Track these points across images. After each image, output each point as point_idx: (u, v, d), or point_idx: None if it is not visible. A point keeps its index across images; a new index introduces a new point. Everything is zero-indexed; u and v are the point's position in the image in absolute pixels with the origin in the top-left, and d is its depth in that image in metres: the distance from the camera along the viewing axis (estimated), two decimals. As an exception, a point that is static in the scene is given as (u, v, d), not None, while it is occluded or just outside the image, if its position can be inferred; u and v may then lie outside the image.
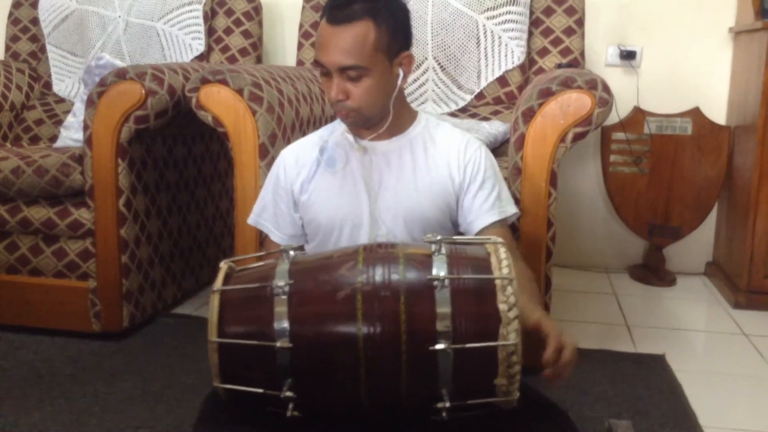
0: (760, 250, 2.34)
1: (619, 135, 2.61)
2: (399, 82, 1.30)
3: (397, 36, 1.28)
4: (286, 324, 0.95)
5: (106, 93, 1.88)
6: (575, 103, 1.65)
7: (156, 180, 2.08)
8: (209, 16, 2.58)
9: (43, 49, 2.69)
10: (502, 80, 2.34)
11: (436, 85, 2.36)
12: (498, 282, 0.95)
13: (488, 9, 2.32)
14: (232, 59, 2.56)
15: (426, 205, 1.33)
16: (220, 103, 1.75)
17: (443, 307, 0.93)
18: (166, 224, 2.15)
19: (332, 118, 1.40)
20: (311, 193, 1.36)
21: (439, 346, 0.92)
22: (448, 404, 0.93)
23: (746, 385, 1.85)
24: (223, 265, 1.05)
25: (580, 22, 2.36)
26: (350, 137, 1.35)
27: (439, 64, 2.35)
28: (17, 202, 1.97)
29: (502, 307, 0.93)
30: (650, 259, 2.70)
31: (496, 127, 2.09)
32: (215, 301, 0.99)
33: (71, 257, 1.98)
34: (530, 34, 2.37)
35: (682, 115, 2.60)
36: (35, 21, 2.71)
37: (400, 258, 1.00)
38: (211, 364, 0.98)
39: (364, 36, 1.22)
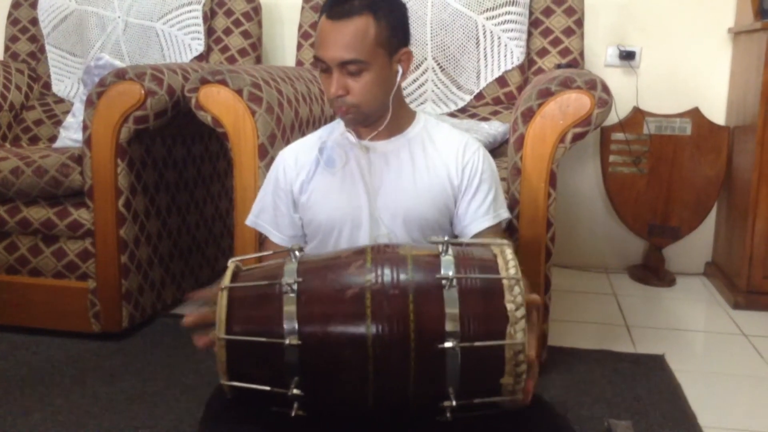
0: (759, 251, 2.35)
1: (619, 135, 2.61)
2: (398, 78, 1.30)
3: (396, 32, 1.28)
4: (294, 322, 0.95)
5: (105, 93, 1.88)
6: (574, 103, 1.65)
7: (155, 180, 2.08)
8: (209, 17, 2.58)
9: (42, 50, 2.69)
10: (501, 80, 2.34)
11: (436, 85, 2.37)
12: (505, 282, 0.96)
13: (487, 9, 2.32)
14: (231, 60, 2.56)
15: (425, 206, 1.33)
16: (219, 104, 1.75)
17: (451, 307, 0.94)
18: (165, 224, 2.15)
19: (332, 119, 1.40)
20: (311, 193, 1.36)
21: (448, 345, 0.93)
22: (454, 403, 0.93)
23: (746, 385, 1.85)
24: (231, 264, 1.06)
25: (580, 23, 2.36)
26: (350, 136, 1.35)
27: (438, 64, 2.36)
28: (16, 203, 1.97)
29: (509, 306, 0.95)
30: (650, 259, 2.70)
31: (495, 128, 2.09)
32: (223, 298, 0.99)
33: (71, 257, 1.98)
34: (530, 34, 2.37)
35: (681, 115, 2.61)
36: (34, 21, 2.71)
37: (408, 258, 1.01)
38: (218, 361, 0.98)
39: (364, 31, 1.23)
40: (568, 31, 2.35)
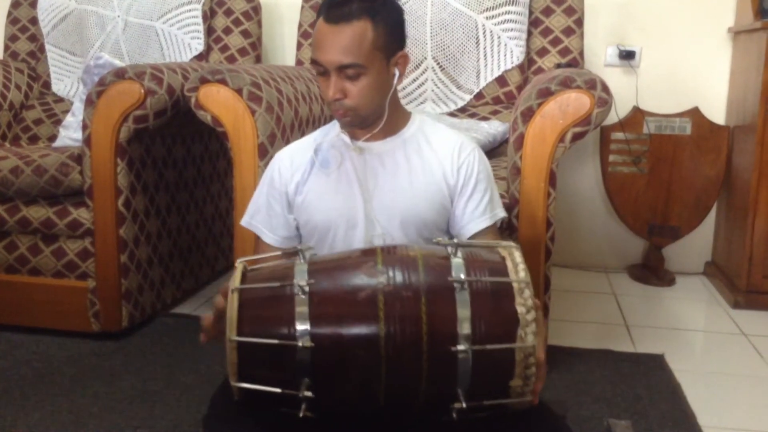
0: (759, 250, 2.35)
1: (619, 135, 2.61)
2: (395, 81, 1.31)
3: (393, 35, 1.28)
4: (307, 323, 0.95)
5: (105, 92, 1.88)
6: (574, 102, 1.65)
7: (155, 180, 2.08)
8: (208, 16, 2.58)
9: (42, 49, 2.69)
10: (501, 80, 2.34)
11: (436, 85, 2.37)
12: (515, 285, 0.97)
13: (487, 9, 2.32)
14: (231, 59, 2.56)
15: (422, 206, 1.33)
16: (219, 103, 1.75)
17: (463, 309, 0.95)
18: (165, 224, 2.15)
19: (331, 118, 1.40)
20: (306, 194, 1.37)
21: (460, 347, 0.93)
22: (464, 405, 0.94)
23: (745, 385, 1.85)
24: (239, 264, 1.05)
25: (579, 22, 2.36)
26: (345, 138, 1.36)
27: (438, 64, 2.35)
28: (16, 202, 1.97)
29: (520, 309, 0.95)
30: (649, 259, 2.71)
31: (495, 127, 2.09)
32: (234, 299, 0.98)
33: (70, 257, 1.98)
34: (529, 33, 2.37)
35: (681, 115, 2.61)
36: (34, 20, 2.71)
37: (419, 260, 1.01)
38: (228, 362, 0.97)
39: (362, 35, 1.23)
40: (568, 31, 2.35)
